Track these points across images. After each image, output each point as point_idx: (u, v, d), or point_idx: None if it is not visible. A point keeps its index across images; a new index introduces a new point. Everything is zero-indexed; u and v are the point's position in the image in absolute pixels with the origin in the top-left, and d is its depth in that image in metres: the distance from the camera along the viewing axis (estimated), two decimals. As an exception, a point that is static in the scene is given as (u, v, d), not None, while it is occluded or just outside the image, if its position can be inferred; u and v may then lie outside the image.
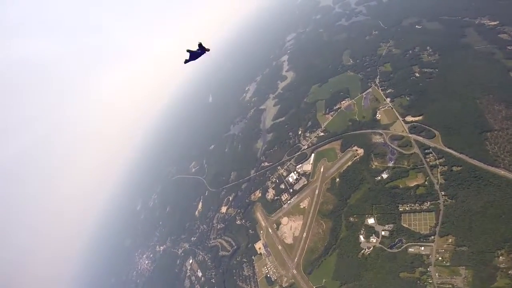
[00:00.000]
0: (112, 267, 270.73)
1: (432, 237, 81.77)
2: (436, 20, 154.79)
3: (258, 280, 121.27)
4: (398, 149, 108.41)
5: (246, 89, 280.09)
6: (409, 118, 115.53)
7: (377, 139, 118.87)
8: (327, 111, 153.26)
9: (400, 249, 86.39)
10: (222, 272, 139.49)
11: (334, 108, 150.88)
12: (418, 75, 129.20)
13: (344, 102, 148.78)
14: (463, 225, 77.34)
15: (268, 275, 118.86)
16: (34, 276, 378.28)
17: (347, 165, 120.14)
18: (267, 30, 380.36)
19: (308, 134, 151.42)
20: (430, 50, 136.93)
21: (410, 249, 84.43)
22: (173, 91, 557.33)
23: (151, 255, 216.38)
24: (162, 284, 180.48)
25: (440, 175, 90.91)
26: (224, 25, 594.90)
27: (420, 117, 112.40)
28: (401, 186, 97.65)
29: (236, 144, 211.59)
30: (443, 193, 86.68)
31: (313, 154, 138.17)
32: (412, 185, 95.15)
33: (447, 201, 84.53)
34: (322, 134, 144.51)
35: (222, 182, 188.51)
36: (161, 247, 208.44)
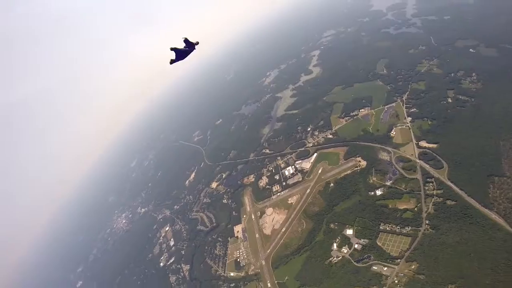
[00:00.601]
0: (87, 219, 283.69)
1: (399, 260, 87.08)
2: (496, 46, 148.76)
3: (227, 262, 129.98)
4: (401, 171, 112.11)
5: (267, 74, 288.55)
6: (423, 144, 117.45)
7: (383, 155, 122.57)
8: (342, 115, 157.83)
9: (365, 265, 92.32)
10: (195, 246, 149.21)
11: (351, 114, 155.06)
12: (450, 101, 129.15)
13: (363, 110, 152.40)
14: (431, 254, 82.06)
15: (238, 260, 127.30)
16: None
17: (346, 173, 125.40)
18: (306, 23, 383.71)
19: (316, 133, 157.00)
20: (474, 77, 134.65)
21: (374, 267, 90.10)
22: (197, 61, 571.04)
23: (130, 216, 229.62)
24: (131, 246, 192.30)
25: (432, 205, 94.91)
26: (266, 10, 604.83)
27: (435, 145, 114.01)
28: (390, 206, 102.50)
29: (243, 125, 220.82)
30: (427, 221, 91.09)
31: (315, 154, 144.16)
32: (401, 208, 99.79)
33: (427, 230, 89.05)
34: (330, 136, 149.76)
35: (220, 157, 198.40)
36: (143, 209, 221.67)
